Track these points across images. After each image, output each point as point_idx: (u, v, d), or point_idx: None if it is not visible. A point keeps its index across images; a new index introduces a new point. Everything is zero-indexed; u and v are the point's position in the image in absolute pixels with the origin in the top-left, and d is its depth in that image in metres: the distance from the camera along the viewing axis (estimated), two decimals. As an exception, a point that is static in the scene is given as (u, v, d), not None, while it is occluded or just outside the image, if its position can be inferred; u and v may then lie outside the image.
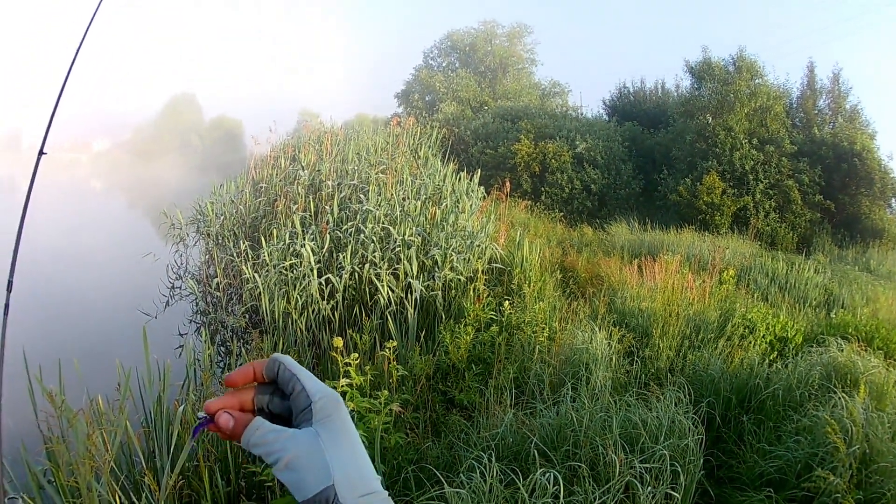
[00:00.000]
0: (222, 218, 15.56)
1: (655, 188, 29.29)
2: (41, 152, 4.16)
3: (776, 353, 9.83)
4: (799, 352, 9.50)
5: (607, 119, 37.73)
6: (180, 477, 5.14)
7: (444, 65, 50.69)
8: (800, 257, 21.20)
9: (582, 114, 41.79)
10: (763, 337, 10.15)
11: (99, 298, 15.70)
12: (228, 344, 11.10)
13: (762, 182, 26.68)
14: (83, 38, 4.38)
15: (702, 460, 5.64)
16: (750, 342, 9.77)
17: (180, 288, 14.67)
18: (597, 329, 8.73)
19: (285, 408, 1.10)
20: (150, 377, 5.99)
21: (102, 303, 15.26)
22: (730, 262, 16.60)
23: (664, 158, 30.51)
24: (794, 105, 30.46)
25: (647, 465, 5.07)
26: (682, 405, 6.25)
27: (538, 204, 27.34)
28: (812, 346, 9.38)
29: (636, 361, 8.61)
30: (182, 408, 5.55)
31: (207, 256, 15.19)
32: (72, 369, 5.86)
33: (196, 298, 13.35)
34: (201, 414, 1.09)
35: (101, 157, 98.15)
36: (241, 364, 8.23)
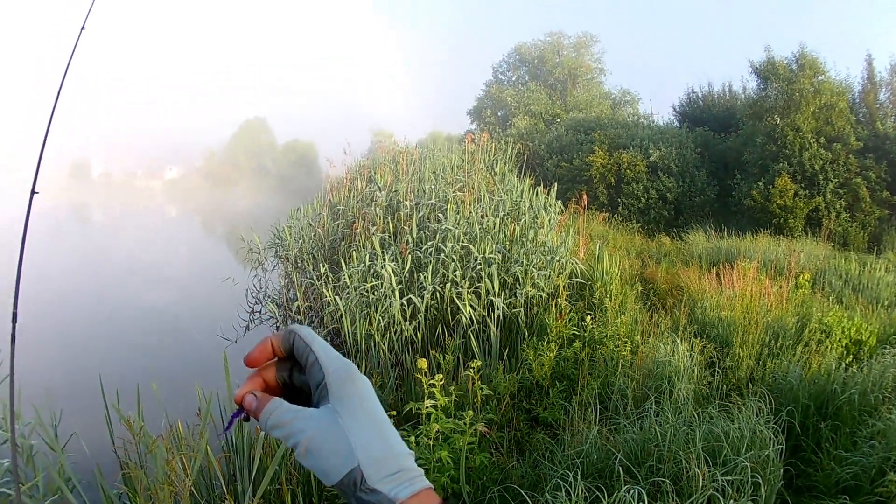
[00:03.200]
0: (300, 241, 15.69)
1: (729, 193, 29.10)
2: (33, 191, 4.22)
3: (851, 356, 9.78)
4: (873, 354, 9.42)
5: (678, 126, 37.61)
6: (262, 500, 5.21)
7: (513, 79, 51.43)
8: (871, 256, 20.88)
9: (653, 121, 41.56)
10: (839, 340, 10.10)
11: (178, 324, 16.06)
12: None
13: (832, 182, 26.42)
14: (67, 67, 4.45)
15: (781, 470, 5.66)
16: (826, 346, 9.73)
17: (260, 312, 14.81)
18: (678, 341, 8.72)
19: (305, 381, 1.08)
20: (231, 401, 6.02)
21: (182, 328, 15.64)
22: (805, 266, 16.46)
23: (736, 163, 30.20)
24: (857, 100, 30.01)
25: (730, 478, 5.07)
26: (763, 415, 6.25)
27: (615, 215, 27.29)
28: (885, 348, 9.29)
29: (717, 372, 8.59)
30: (264, 432, 5.56)
31: (287, 280, 15.30)
32: (151, 394, 5.98)
33: (276, 322, 13.49)
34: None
35: (175, 183, 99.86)
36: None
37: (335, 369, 1.03)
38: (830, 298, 13.76)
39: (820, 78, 28.47)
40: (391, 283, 10.53)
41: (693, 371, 8.10)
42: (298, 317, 12.73)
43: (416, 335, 10.49)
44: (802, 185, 26.55)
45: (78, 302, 18.64)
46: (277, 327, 13.28)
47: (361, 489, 0.96)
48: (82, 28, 4.77)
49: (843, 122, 27.79)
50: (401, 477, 0.98)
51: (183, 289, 20.79)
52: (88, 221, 56.74)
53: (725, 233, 22.85)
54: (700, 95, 39.68)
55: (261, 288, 15.79)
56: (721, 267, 13.74)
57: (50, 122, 4.38)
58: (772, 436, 5.84)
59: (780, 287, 12.28)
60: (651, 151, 29.99)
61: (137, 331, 15.44)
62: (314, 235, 15.69)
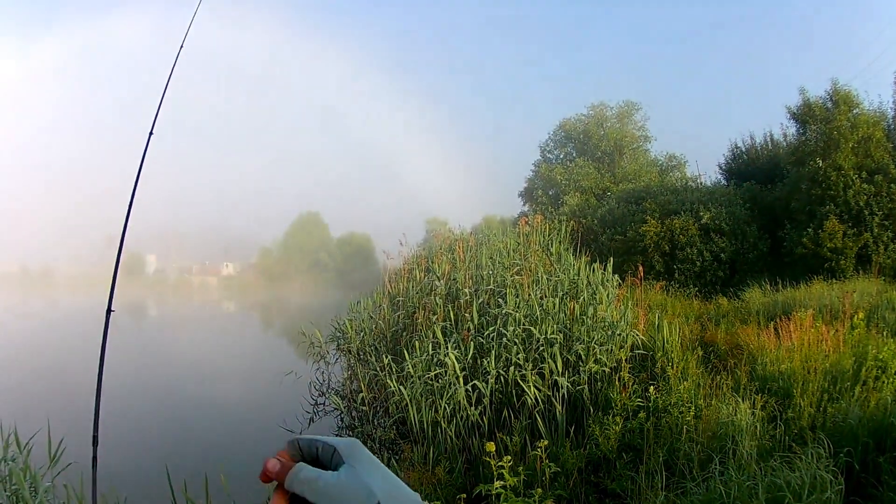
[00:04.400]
0: (362, 334, 15.70)
1: (781, 244, 29.00)
2: (109, 310, 4.43)
3: (908, 387, 9.82)
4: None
5: (725, 183, 37.89)
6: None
7: (561, 156, 52.05)
8: (922, 283, 20.73)
9: (701, 183, 42.08)
10: (895, 374, 10.24)
11: (242, 416, 16.56)
12: (378, 455, 11.21)
13: (877, 215, 26.42)
14: (140, 168, 4.70)
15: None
16: (883, 382, 9.87)
17: (324, 404, 14.89)
18: (740, 400, 8.82)
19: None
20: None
21: (246, 420, 16.10)
22: (858, 305, 16.41)
23: (784, 212, 30.08)
24: (892, 125, 30.00)
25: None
26: (822, 460, 6.39)
27: (672, 282, 27.11)
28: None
29: (779, 425, 8.68)
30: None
31: (350, 372, 15.34)
32: (218, 485, 6.17)
33: (341, 413, 13.64)
34: None
35: (231, 280, 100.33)
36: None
37: (343, 442, 1.25)
38: (885, 333, 13.70)
39: (855, 111, 28.64)
40: (455, 371, 10.64)
41: (755, 427, 8.21)
42: (363, 408, 12.84)
43: (482, 419, 10.59)
44: (850, 224, 26.61)
45: (140, 396, 19.02)
46: (342, 418, 13.58)
47: None
48: (150, 133, 5.09)
49: (882, 152, 27.96)
50: None
51: (245, 382, 21.09)
52: (145, 317, 57.42)
53: (780, 285, 22.71)
54: (744, 149, 39.88)
55: (324, 381, 15.89)
56: (778, 320, 13.72)
57: (121, 247, 4.64)
58: (831, 478, 6.01)
59: (837, 331, 12.35)
60: (702, 214, 30.10)
61: (202, 423, 15.82)
62: (375, 327, 15.75)
